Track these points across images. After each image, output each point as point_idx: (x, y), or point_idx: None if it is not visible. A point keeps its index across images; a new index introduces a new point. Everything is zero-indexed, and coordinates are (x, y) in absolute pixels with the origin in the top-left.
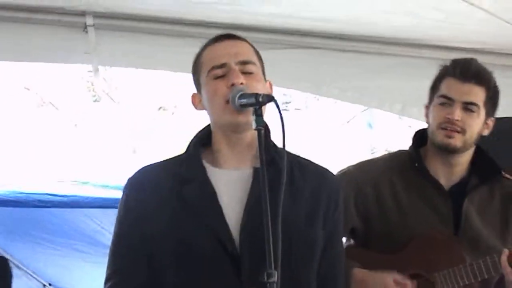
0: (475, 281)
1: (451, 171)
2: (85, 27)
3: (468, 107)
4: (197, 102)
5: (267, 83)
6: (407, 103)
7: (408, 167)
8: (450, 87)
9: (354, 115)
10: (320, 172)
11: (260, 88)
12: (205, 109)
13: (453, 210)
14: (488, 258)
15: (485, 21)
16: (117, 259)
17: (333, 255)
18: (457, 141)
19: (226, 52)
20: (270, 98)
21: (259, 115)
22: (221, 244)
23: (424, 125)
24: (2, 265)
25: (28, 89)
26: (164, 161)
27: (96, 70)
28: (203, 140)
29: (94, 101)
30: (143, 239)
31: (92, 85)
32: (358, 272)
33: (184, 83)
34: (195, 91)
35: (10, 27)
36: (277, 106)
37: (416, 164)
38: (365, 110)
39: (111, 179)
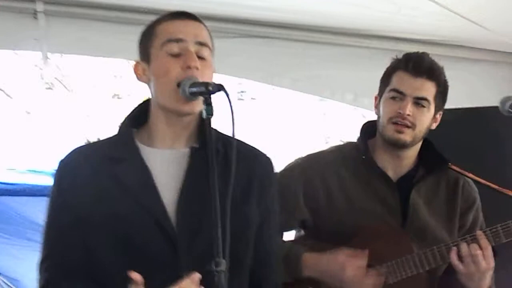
0: (422, 270)
1: (399, 164)
2: (35, 13)
3: (419, 102)
4: (140, 72)
5: (212, 70)
6: (359, 93)
7: (356, 159)
8: (402, 81)
9: (310, 104)
10: (253, 153)
11: (209, 76)
12: (148, 82)
13: (400, 201)
14: (435, 248)
15: (436, 13)
16: (50, 243)
17: (268, 233)
18: (406, 136)
19: (185, 29)
20: (219, 87)
21: (209, 104)
22: (157, 223)
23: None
24: None
25: None
26: (95, 142)
27: (46, 57)
28: (135, 120)
29: (47, 88)
30: (76, 221)
31: (44, 72)
32: (309, 257)
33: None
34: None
35: None
36: (227, 95)
37: (363, 157)
38: (320, 100)
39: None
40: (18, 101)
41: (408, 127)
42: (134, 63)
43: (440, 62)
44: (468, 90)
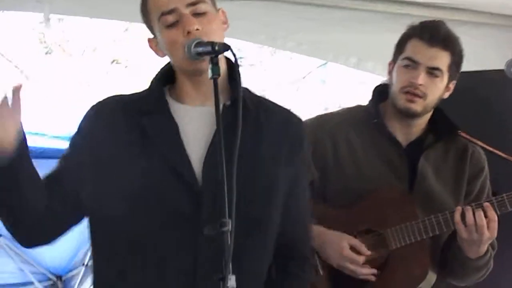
0: (426, 237)
1: (409, 131)
2: None
3: (432, 71)
4: (154, 47)
5: (220, 12)
6: (362, 57)
7: (366, 123)
8: (416, 49)
9: (309, 71)
10: (286, 115)
11: (215, 28)
12: (162, 55)
13: (408, 167)
14: (439, 215)
15: None
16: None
17: (298, 195)
18: (418, 106)
19: None
20: (226, 47)
21: (215, 64)
22: (181, 178)
23: (377, 80)
24: None
25: None
26: (128, 95)
27: (48, 19)
28: (166, 76)
29: (46, 53)
30: (92, 164)
31: (44, 36)
32: (316, 229)
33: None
34: (148, 42)
35: None
36: (234, 55)
37: (375, 120)
38: (319, 66)
39: (62, 131)
40: (17, 65)
41: (419, 97)
42: (148, 40)
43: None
44: (471, 54)
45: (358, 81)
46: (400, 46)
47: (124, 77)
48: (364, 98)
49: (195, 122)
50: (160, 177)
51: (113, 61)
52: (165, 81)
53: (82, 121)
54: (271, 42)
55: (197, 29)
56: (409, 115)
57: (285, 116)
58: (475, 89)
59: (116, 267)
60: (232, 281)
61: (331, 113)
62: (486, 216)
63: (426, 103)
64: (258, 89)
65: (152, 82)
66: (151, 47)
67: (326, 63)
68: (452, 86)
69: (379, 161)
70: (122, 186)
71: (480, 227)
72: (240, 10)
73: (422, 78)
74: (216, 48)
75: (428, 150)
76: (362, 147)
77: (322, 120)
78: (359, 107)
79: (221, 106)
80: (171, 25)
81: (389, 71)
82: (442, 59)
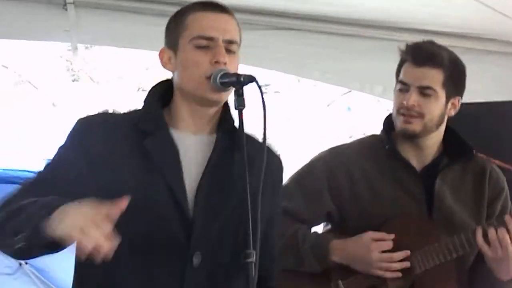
0: (450, 258)
1: (422, 153)
2: (64, 4)
3: (423, 91)
4: (166, 59)
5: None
6: (388, 85)
7: (379, 151)
8: (406, 72)
9: (334, 99)
10: (268, 150)
11: (236, 69)
12: (174, 70)
13: (425, 191)
14: (462, 234)
15: (466, 5)
16: (49, 179)
17: (275, 229)
18: (415, 126)
19: (217, 25)
20: (251, 79)
21: (240, 95)
22: (176, 203)
23: None
24: None
25: (6, 67)
26: (122, 113)
27: (75, 48)
28: (163, 99)
29: (73, 80)
30: (90, 172)
31: (71, 64)
32: (336, 242)
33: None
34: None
35: None
36: (259, 87)
37: (387, 147)
38: (344, 93)
39: None
40: (44, 92)
41: (415, 117)
42: (161, 50)
43: (470, 56)
44: (497, 84)
45: (384, 108)
46: (397, 73)
47: None
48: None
49: (189, 149)
50: (157, 197)
51: (139, 88)
52: (160, 102)
53: (74, 133)
54: (297, 71)
55: (225, 63)
56: (409, 136)
57: (269, 151)
58: (500, 118)
59: (100, 283)
60: None
61: (344, 145)
62: (508, 232)
63: (425, 122)
64: (283, 116)
65: (148, 102)
66: (161, 57)
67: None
68: (457, 102)
69: (396, 188)
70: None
71: (502, 240)
72: (266, 39)
73: (412, 99)
74: (242, 79)
75: (444, 172)
76: (378, 175)
77: (336, 152)
78: (372, 136)
79: (211, 137)
80: (202, 49)
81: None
82: (432, 78)
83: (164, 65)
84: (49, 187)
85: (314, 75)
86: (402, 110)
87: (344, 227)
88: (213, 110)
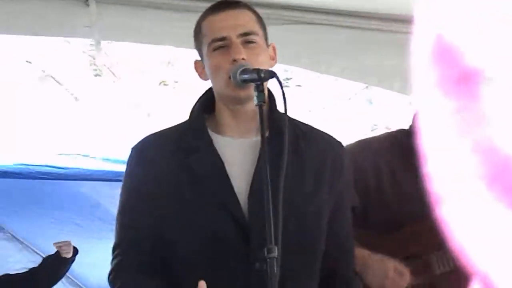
0: None
1: None
2: (86, 0)
3: None
4: (200, 70)
5: (271, 47)
6: (407, 81)
7: (407, 146)
8: None
9: (356, 92)
10: (325, 139)
11: (261, 61)
12: (208, 79)
13: None
14: None
15: None
16: (123, 230)
17: (343, 219)
18: None
19: (226, 24)
20: (272, 74)
21: (260, 91)
22: (229, 214)
23: None
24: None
25: (30, 63)
26: (167, 129)
27: (98, 43)
28: (206, 106)
29: (95, 75)
30: (149, 209)
31: (94, 59)
32: (359, 252)
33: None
34: (195, 64)
35: (11, 0)
36: (279, 82)
37: (417, 142)
38: (366, 87)
39: (111, 153)
40: (67, 87)
41: None
42: (195, 62)
43: None
44: None
45: (406, 101)
46: None
47: (172, 99)
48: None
49: (237, 155)
50: (210, 214)
51: (161, 83)
52: (205, 111)
53: (128, 165)
54: (315, 66)
55: (243, 59)
56: None
57: (325, 141)
58: None
59: None
60: None
61: (372, 138)
62: None
63: None
64: (304, 109)
65: (192, 113)
66: (196, 69)
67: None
68: None
69: (421, 186)
70: (175, 226)
71: None
72: (284, 34)
73: None
74: (262, 75)
75: None
76: (404, 171)
77: (363, 146)
78: (400, 131)
79: (257, 139)
80: (219, 51)
81: None
82: None
83: (200, 76)
84: (138, 241)
85: (332, 70)
86: None
87: (366, 222)
88: (250, 108)
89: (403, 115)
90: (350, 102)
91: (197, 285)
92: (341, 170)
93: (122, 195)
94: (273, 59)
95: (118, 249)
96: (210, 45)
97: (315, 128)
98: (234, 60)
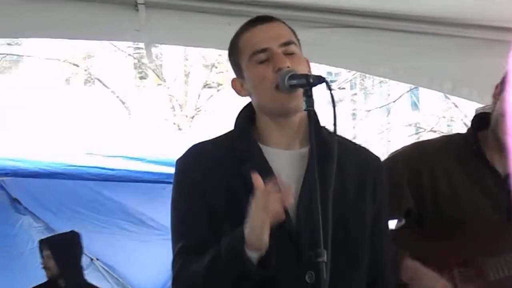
0: None
1: (508, 162)
2: (135, 5)
3: None
4: (239, 87)
5: (305, 61)
6: (457, 82)
7: (464, 150)
8: None
9: (400, 94)
10: (364, 152)
11: (302, 69)
12: (249, 95)
13: (508, 198)
14: None
15: None
16: (185, 233)
17: (382, 229)
18: None
19: (267, 35)
20: (321, 79)
21: (309, 96)
22: (281, 224)
23: (473, 106)
24: (72, 239)
25: (77, 66)
26: (215, 138)
27: (148, 47)
28: (250, 117)
29: (141, 78)
30: (209, 213)
31: (139, 61)
32: (411, 263)
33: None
34: (232, 82)
35: (60, 4)
36: (328, 87)
37: (474, 147)
38: (410, 90)
39: (157, 155)
40: (113, 90)
41: None
42: (232, 80)
43: None
44: None
45: (450, 103)
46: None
47: (216, 101)
48: (458, 121)
49: (284, 166)
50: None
51: (205, 85)
52: (249, 122)
53: (182, 166)
54: (365, 68)
55: (288, 67)
56: None
57: (363, 154)
58: None
59: None
60: None
61: (428, 140)
62: None
63: None
64: (348, 112)
65: (238, 121)
66: (234, 86)
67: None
68: None
69: (477, 191)
70: (228, 230)
71: None
72: (334, 36)
73: None
74: (311, 80)
75: None
76: (459, 174)
77: (419, 148)
78: (457, 134)
79: (304, 150)
80: (261, 62)
81: (494, 94)
82: None
83: (239, 93)
84: (199, 246)
85: (381, 71)
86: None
87: (419, 224)
88: (294, 121)
89: (448, 118)
90: (395, 104)
91: None
92: (381, 183)
93: (178, 199)
94: (308, 71)
95: (179, 255)
96: (252, 58)
97: (351, 141)
98: (279, 69)
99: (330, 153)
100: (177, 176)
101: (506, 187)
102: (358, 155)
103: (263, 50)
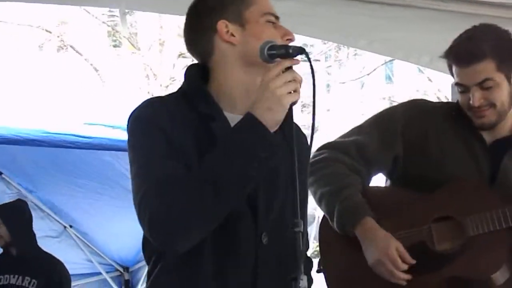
0: (506, 226)
1: (495, 129)
2: None
3: (483, 85)
4: (226, 31)
5: None
6: (435, 56)
7: (457, 118)
8: (458, 74)
9: (374, 68)
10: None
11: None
12: (237, 43)
13: (491, 164)
14: None
15: None
16: (161, 169)
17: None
18: (490, 117)
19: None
20: (301, 50)
21: (288, 67)
22: None
23: (447, 80)
24: (21, 207)
25: (50, 32)
26: (171, 94)
27: (124, 14)
28: (203, 77)
29: (115, 46)
30: (179, 157)
31: (113, 29)
32: (369, 221)
33: None
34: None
35: None
36: (308, 58)
37: (464, 116)
38: (384, 63)
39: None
40: (86, 57)
41: (487, 109)
42: (221, 22)
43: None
44: None
45: (425, 77)
46: (451, 72)
47: None
48: (431, 95)
49: None
50: None
51: (180, 55)
52: (202, 81)
53: (146, 111)
54: (344, 40)
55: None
56: (487, 128)
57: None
58: None
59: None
60: (304, 281)
61: (430, 101)
62: None
63: (498, 110)
64: (322, 84)
65: (191, 78)
66: (223, 29)
67: (392, 60)
68: None
69: (463, 154)
70: None
71: None
72: (313, 8)
73: (477, 99)
74: (291, 51)
75: None
76: (450, 137)
77: (417, 105)
78: (457, 103)
79: None
80: (272, 25)
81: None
82: (485, 70)
83: (226, 38)
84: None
85: (360, 44)
86: (472, 108)
87: (404, 179)
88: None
89: (422, 91)
90: (369, 77)
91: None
92: (307, 152)
93: (146, 144)
94: None
95: (152, 190)
96: (264, 16)
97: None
98: (289, 39)
99: (289, 129)
100: (142, 123)
101: (490, 154)
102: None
103: (276, 17)
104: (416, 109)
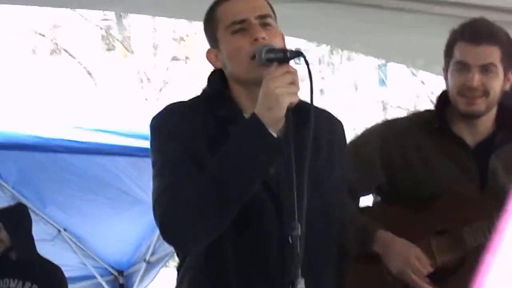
0: None
1: (476, 130)
2: None
3: (486, 69)
4: (213, 58)
5: (281, 35)
6: (430, 59)
7: (433, 126)
8: (463, 52)
9: (368, 71)
10: (327, 114)
11: (278, 42)
12: (224, 66)
13: (479, 167)
14: None
15: None
16: (178, 170)
17: (343, 191)
18: (480, 105)
19: (244, 7)
20: (298, 54)
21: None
22: (265, 185)
23: (440, 83)
24: (21, 211)
25: (43, 36)
26: (193, 98)
27: (120, 17)
28: (224, 83)
29: (108, 49)
30: (196, 162)
31: (107, 32)
32: (383, 234)
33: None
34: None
35: None
36: (306, 62)
37: (436, 126)
38: (378, 67)
39: (124, 127)
40: (80, 61)
41: (479, 97)
42: (207, 51)
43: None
44: None
45: (418, 80)
46: (448, 52)
47: (184, 74)
48: (424, 98)
49: None
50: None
51: (173, 58)
52: (223, 86)
53: (164, 119)
54: (339, 43)
55: (263, 38)
56: (474, 117)
57: (329, 116)
58: None
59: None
60: (301, 284)
61: (399, 118)
62: None
63: (489, 100)
64: (316, 87)
65: (213, 83)
66: (209, 57)
67: (386, 64)
68: (511, 76)
69: (449, 162)
70: None
71: None
72: (308, 11)
73: (477, 80)
74: (288, 55)
75: (499, 149)
76: (431, 148)
77: (390, 126)
78: (427, 111)
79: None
80: (238, 33)
81: (444, 77)
82: (492, 55)
83: (213, 64)
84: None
85: (355, 47)
86: (465, 91)
87: (393, 199)
88: None
89: (415, 95)
90: (363, 81)
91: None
92: (345, 145)
93: (164, 150)
94: (284, 45)
95: (170, 186)
96: (228, 29)
97: (317, 106)
98: (256, 40)
99: (305, 123)
100: (160, 131)
101: (476, 157)
102: (327, 121)
103: (241, 22)
104: (388, 132)
